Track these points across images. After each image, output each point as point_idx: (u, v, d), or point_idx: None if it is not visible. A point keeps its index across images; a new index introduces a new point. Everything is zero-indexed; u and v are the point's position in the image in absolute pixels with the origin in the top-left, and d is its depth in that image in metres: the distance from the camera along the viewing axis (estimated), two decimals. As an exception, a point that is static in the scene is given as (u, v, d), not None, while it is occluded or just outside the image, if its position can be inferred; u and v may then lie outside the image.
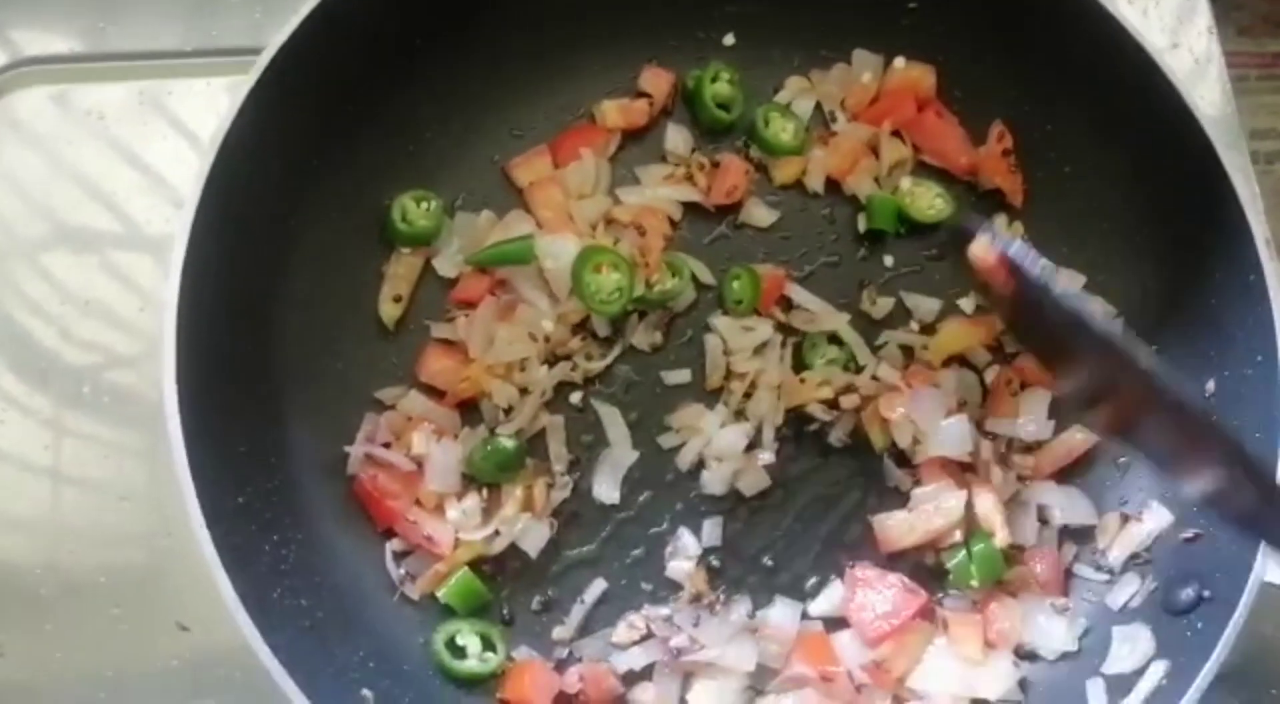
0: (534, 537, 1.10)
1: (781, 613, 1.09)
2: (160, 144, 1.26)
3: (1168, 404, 0.92)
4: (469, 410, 1.13)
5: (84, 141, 1.26)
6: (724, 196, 1.19)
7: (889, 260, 1.21)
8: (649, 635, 1.08)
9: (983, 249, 1.01)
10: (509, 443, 1.09)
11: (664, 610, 1.08)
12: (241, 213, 1.02)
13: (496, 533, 1.08)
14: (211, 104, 1.27)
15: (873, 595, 1.09)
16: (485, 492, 1.10)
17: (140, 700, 1.12)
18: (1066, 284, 1.15)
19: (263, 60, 1.01)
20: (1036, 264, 0.98)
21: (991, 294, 1.06)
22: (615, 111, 1.20)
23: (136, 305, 1.21)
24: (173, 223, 1.19)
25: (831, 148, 1.21)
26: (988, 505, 1.10)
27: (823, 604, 1.11)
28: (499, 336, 1.12)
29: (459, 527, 1.07)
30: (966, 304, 1.20)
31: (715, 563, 1.12)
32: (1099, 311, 1.03)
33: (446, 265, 1.16)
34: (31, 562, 1.15)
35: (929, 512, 1.10)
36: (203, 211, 0.97)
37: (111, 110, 1.27)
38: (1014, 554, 1.11)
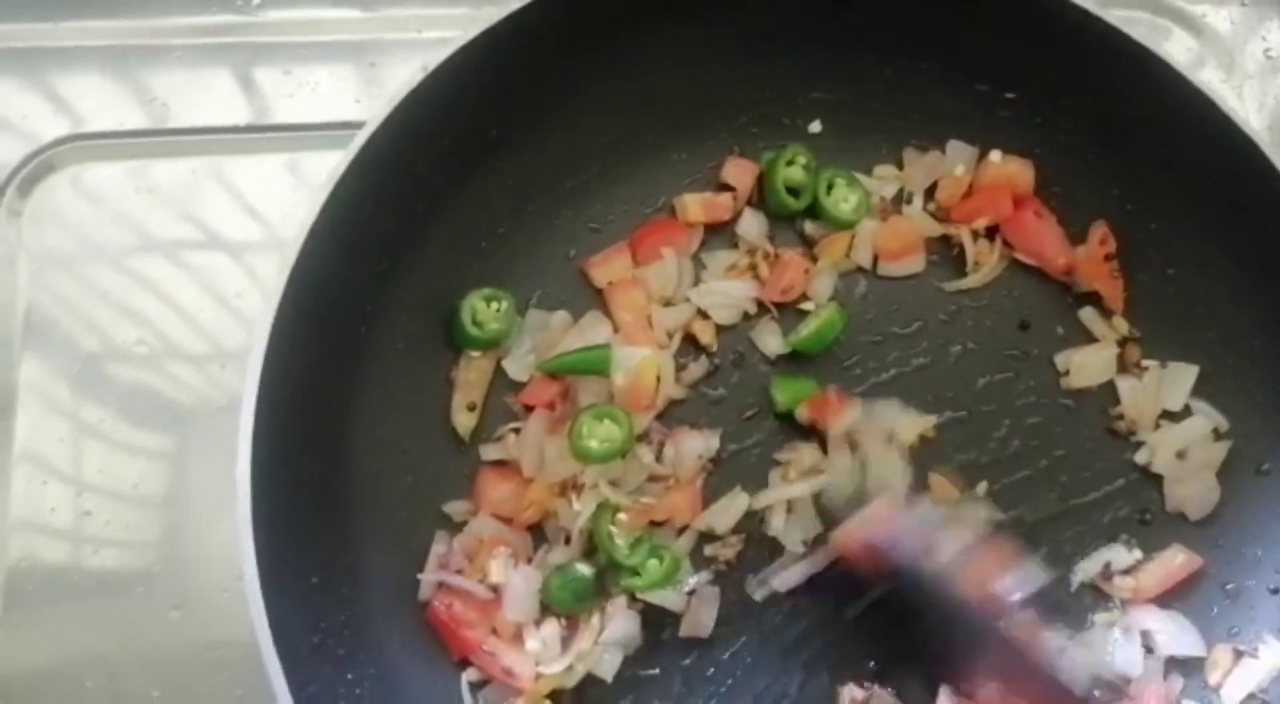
0: (608, 661, 1.04)
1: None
2: (218, 219, 1.21)
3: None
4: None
5: (141, 216, 1.21)
6: (779, 294, 1.13)
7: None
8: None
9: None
10: (586, 571, 1.03)
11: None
12: (313, 327, 0.96)
13: (573, 666, 1.03)
14: (269, 181, 1.23)
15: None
16: (564, 619, 1.04)
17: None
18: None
19: (342, 163, 0.95)
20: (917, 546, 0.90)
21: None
22: (697, 206, 1.14)
23: (185, 329, 1.17)
24: (233, 297, 1.18)
25: (889, 225, 1.15)
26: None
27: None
28: (548, 453, 1.06)
29: (538, 658, 1.02)
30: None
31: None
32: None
33: (517, 367, 1.10)
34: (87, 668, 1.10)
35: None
36: (276, 328, 0.91)
37: (169, 185, 1.22)
38: (1120, 686, 1.06)
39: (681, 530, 1.07)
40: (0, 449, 1.13)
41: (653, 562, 1.03)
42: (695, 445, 1.07)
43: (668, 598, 1.05)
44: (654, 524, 1.06)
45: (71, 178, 1.22)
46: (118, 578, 1.13)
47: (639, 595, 1.04)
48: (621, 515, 1.03)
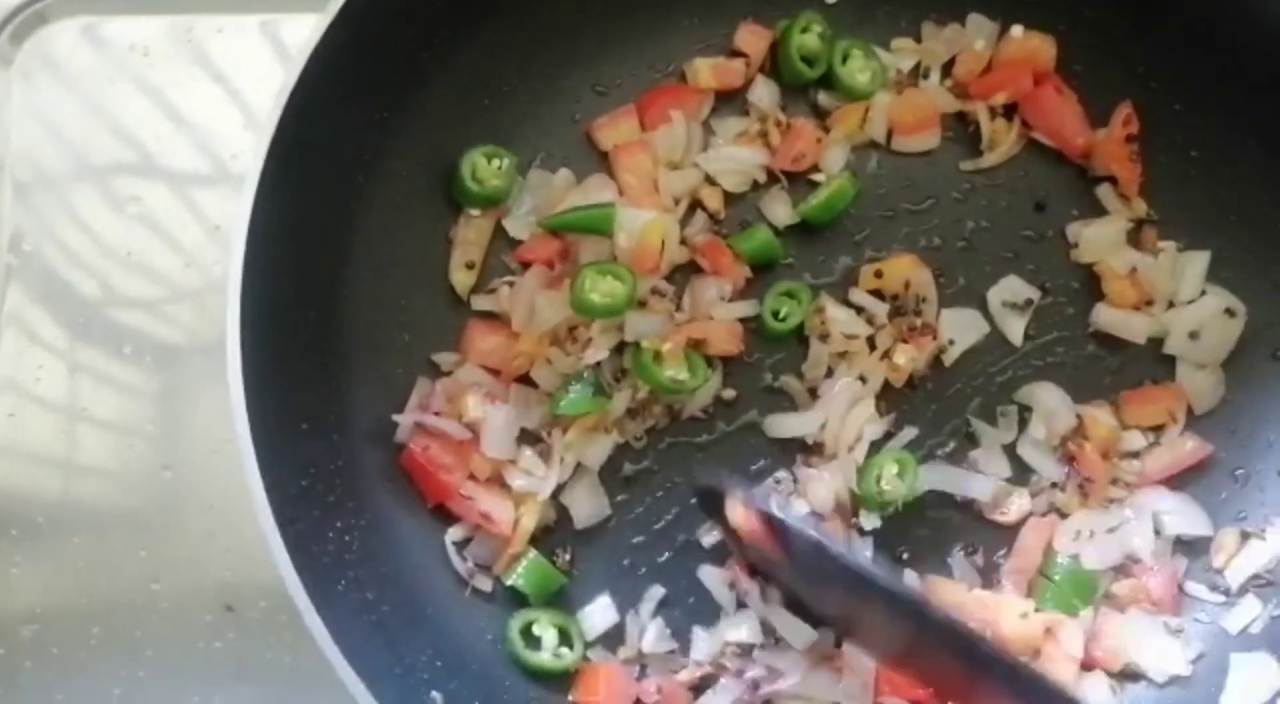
0: (586, 502, 1.04)
1: (854, 651, 1.01)
2: (197, 84, 1.18)
3: (975, 665, 0.84)
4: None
5: (119, 80, 1.18)
6: (789, 163, 1.10)
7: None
8: (721, 667, 1.01)
9: (741, 514, 0.89)
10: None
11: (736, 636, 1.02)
12: (309, 168, 0.94)
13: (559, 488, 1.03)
14: (247, 42, 1.19)
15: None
16: (537, 445, 1.04)
17: (182, 682, 1.07)
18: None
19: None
20: (806, 522, 0.90)
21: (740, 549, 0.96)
22: (708, 71, 1.10)
23: (164, 250, 1.15)
24: (209, 169, 1.16)
25: (904, 97, 1.12)
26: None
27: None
28: (539, 303, 1.04)
29: (528, 489, 1.01)
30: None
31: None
32: (876, 568, 0.95)
33: (518, 226, 1.08)
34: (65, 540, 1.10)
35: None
36: (271, 164, 0.89)
37: (146, 45, 1.19)
38: (1125, 566, 1.04)
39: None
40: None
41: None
42: (712, 290, 1.06)
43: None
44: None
45: (66, 30, 1.18)
46: (109, 434, 1.12)
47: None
48: (667, 345, 1.02)
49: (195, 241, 1.15)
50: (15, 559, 1.08)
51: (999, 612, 1.00)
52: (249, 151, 1.13)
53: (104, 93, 1.18)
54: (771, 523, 0.88)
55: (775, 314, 1.08)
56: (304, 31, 1.14)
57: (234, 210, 1.11)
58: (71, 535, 1.09)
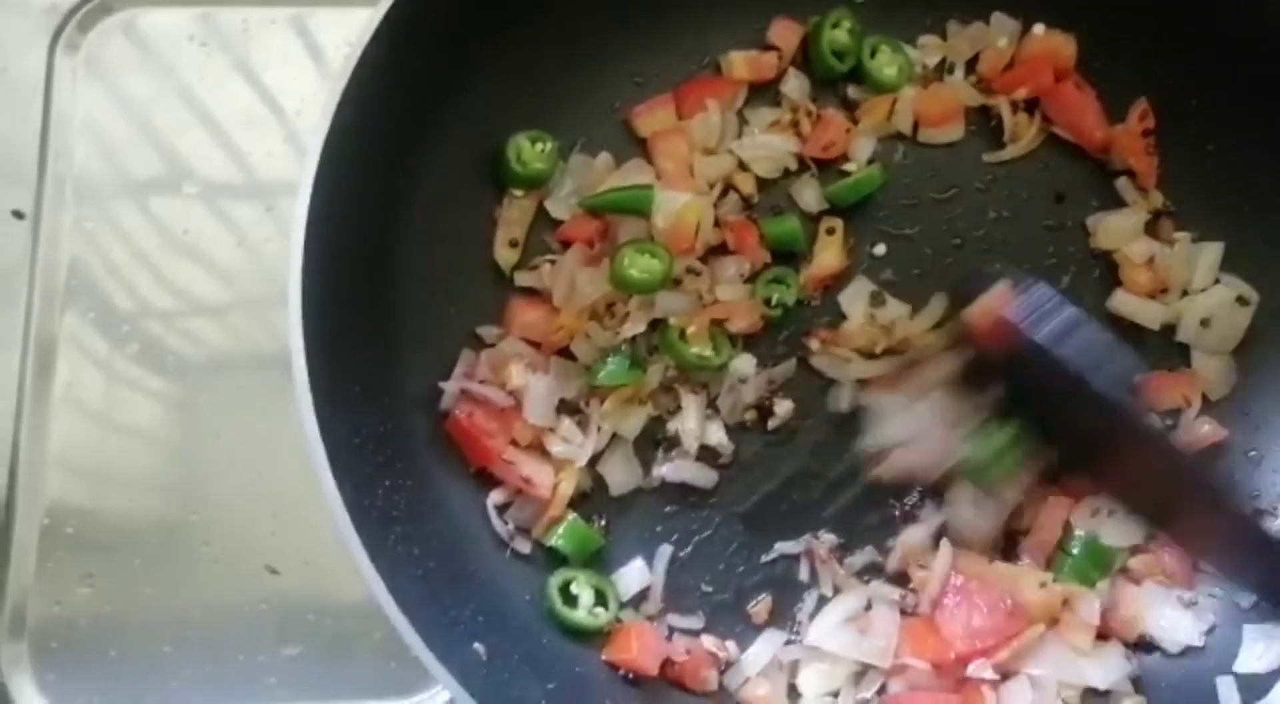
0: (621, 471, 1.08)
1: (881, 615, 1.05)
2: (248, 76, 1.23)
3: (1184, 482, 0.95)
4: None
5: (177, 72, 1.23)
6: (819, 151, 1.15)
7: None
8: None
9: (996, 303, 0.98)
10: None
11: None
12: (364, 150, 0.97)
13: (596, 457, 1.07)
14: (298, 35, 1.25)
15: (967, 607, 1.03)
16: (576, 415, 1.08)
17: (228, 641, 1.11)
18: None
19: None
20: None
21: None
22: (743, 64, 1.15)
23: (199, 270, 1.19)
24: (252, 167, 1.21)
25: (930, 91, 1.16)
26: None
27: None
28: (579, 279, 1.08)
29: (566, 455, 1.05)
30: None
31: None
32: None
33: (559, 207, 1.13)
34: (120, 503, 1.14)
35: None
36: (329, 147, 0.92)
37: (204, 37, 1.24)
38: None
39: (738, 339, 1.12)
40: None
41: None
42: (731, 268, 1.11)
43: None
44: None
45: (128, 21, 1.24)
46: (163, 408, 1.16)
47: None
48: (691, 328, 1.07)
49: (253, 233, 1.20)
50: (71, 521, 1.13)
51: (1018, 581, 1.04)
52: (303, 135, 1.22)
53: (163, 82, 1.23)
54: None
55: (767, 302, 1.12)
56: (360, 24, 1.24)
57: (295, 200, 1.21)
58: (126, 498, 1.14)
